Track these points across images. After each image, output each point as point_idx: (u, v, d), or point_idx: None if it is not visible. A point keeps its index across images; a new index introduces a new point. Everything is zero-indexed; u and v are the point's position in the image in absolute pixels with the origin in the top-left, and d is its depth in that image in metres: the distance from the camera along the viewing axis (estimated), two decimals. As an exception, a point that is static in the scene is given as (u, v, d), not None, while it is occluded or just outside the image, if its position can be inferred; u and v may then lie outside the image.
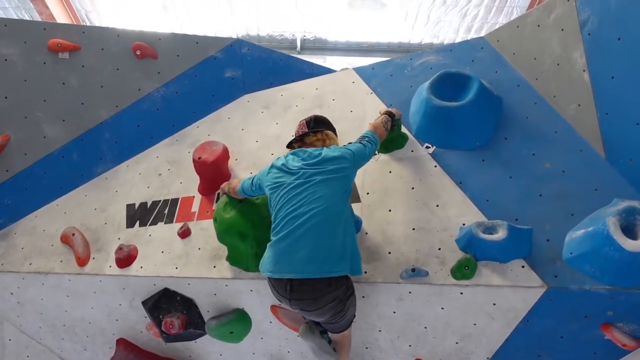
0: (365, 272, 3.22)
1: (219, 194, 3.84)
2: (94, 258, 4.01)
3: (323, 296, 2.85)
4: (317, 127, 3.24)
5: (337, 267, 2.82)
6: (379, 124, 3.32)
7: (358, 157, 3.05)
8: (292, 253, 2.82)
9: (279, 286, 2.90)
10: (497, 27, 9.34)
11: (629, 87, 2.95)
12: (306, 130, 3.22)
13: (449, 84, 3.58)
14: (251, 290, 3.58)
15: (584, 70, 3.23)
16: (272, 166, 3.13)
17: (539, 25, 3.55)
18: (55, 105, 4.45)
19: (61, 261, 4.11)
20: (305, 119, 3.29)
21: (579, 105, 3.29)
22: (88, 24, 10.22)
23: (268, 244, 2.97)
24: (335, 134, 3.33)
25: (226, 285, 3.62)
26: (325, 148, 3.08)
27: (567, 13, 3.32)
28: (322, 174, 2.93)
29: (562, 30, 3.36)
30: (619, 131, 3.09)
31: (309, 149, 3.10)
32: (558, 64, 3.41)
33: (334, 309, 2.93)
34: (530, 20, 3.63)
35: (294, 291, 2.84)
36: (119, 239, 4.03)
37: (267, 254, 2.95)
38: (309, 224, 2.81)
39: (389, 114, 3.42)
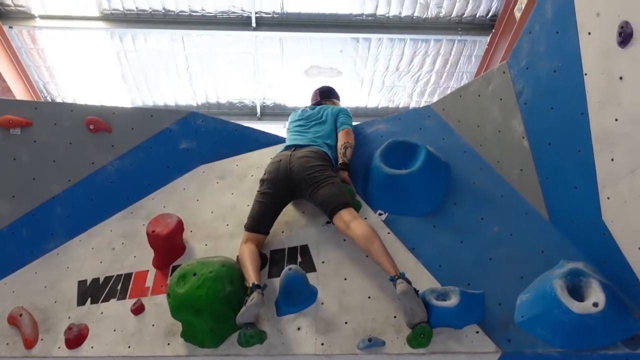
0: (323, 344, 3.18)
1: (174, 267, 3.78)
2: (42, 339, 3.83)
3: None
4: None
5: None
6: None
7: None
8: None
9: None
10: (449, 91, 9.78)
11: (565, 153, 3.11)
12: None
13: (399, 152, 3.70)
14: (206, 367, 3.47)
15: (523, 137, 3.39)
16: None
17: (479, 95, 3.74)
18: (4, 181, 4.34)
19: (7, 344, 3.89)
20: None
21: (521, 170, 3.43)
22: (46, 95, 10.19)
23: None
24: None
25: (180, 363, 3.50)
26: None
27: (504, 84, 3.52)
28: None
29: (501, 99, 3.55)
30: (559, 194, 3.22)
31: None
32: (499, 131, 3.58)
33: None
34: (471, 90, 3.83)
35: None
36: (69, 317, 3.87)
37: None
38: None
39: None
